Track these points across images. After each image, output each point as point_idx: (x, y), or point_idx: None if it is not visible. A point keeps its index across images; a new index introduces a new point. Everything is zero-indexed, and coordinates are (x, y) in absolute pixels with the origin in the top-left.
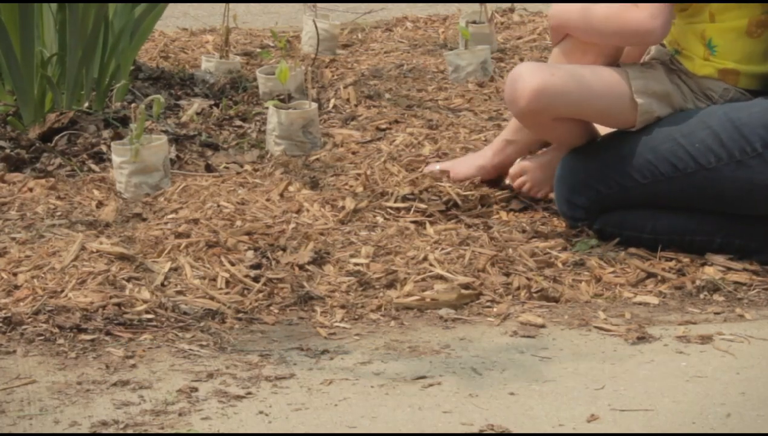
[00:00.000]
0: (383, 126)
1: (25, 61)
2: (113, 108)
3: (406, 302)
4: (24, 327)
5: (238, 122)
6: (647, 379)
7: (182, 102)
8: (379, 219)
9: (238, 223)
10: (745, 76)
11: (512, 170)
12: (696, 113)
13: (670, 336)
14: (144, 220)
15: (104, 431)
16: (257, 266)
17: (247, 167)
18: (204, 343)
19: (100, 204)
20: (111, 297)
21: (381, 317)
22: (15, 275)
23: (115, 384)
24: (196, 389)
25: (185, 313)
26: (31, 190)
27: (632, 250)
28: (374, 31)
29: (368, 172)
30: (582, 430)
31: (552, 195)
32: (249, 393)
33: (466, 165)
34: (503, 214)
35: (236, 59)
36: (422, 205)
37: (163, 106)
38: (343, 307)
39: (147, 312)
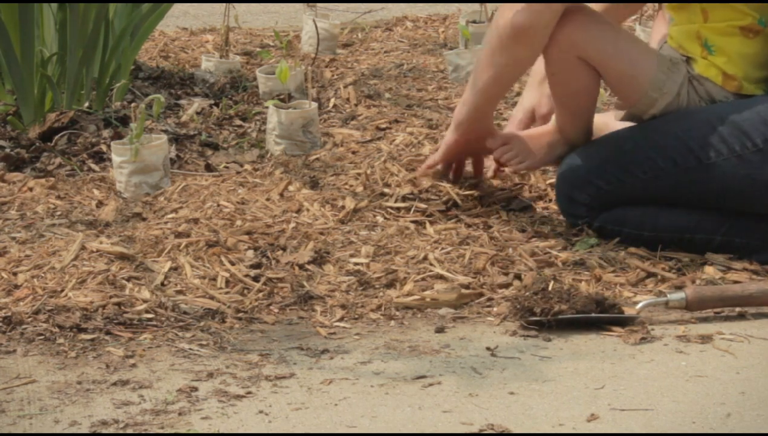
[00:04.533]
0: (383, 126)
1: (25, 60)
2: (113, 108)
3: (406, 301)
4: (24, 327)
5: (238, 122)
6: (647, 379)
7: (182, 102)
8: (379, 219)
9: (238, 222)
10: (747, 82)
11: (497, 138)
12: (697, 109)
13: (670, 336)
14: (144, 219)
15: (104, 431)
16: (257, 266)
17: (247, 167)
18: (204, 342)
19: (100, 204)
20: (111, 297)
21: (381, 316)
22: (15, 274)
23: (115, 384)
24: (196, 389)
25: (185, 312)
26: (31, 189)
27: (632, 249)
28: (374, 31)
29: (368, 172)
30: (582, 430)
31: (528, 166)
32: (249, 393)
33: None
34: (503, 214)
35: (236, 59)
36: (422, 205)
37: (163, 105)
38: (343, 306)
39: (147, 312)
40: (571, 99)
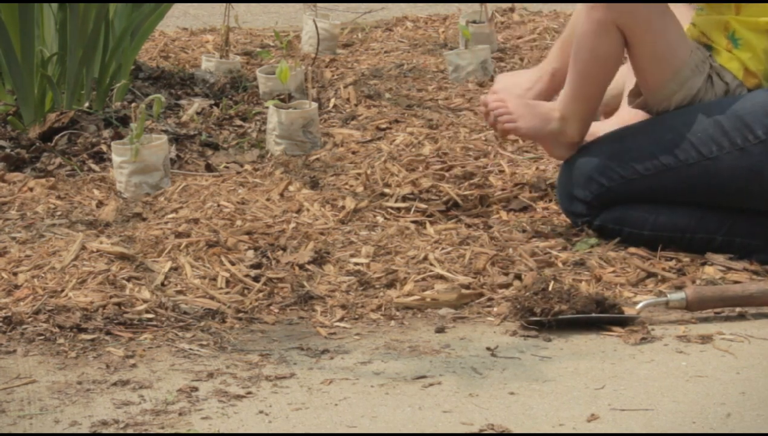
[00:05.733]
0: (383, 126)
1: (25, 60)
2: (113, 108)
3: (406, 301)
4: (24, 327)
5: (238, 122)
6: (647, 379)
7: (182, 102)
8: (379, 219)
9: (238, 222)
10: (766, 80)
11: (495, 92)
12: (698, 105)
13: (670, 336)
14: (144, 219)
15: (104, 431)
16: (257, 266)
17: (247, 167)
18: (204, 342)
19: (100, 204)
20: (111, 297)
21: (381, 316)
22: (15, 274)
23: (115, 384)
24: (196, 389)
25: (185, 312)
26: (31, 189)
27: (632, 249)
28: (374, 31)
29: (368, 172)
30: (582, 430)
31: (516, 127)
32: (249, 393)
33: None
34: (503, 214)
35: (236, 59)
36: (422, 205)
37: (164, 105)
38: (343, 307)
39: (147, 312)
40: (591, 67)
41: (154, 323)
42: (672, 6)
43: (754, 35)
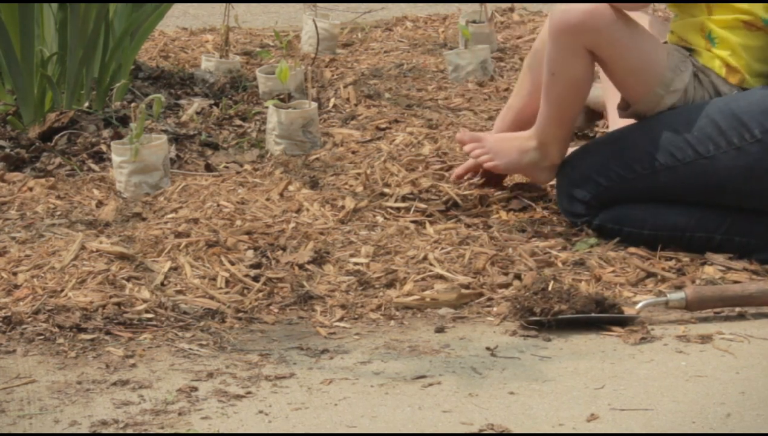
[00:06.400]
0: (383, 125)
1: (25, 60)
2: (113, 107)
3: (406, 301)
4: (24, 327)
5: (238, 122)
6: (647, 378)
7: (182, 101)
8: (379, 219)
9: (238, 222)
10: (750, 75)
11: (468, 135)
12: (697, 103)
13: (670, 336)
14: (144, 219)
15: (104, 431)
16: (257, 266)
17: (247, 167)
18: (204, 342)
19: (99, 204)
20: (111, 297)
21: (381, 316)
22: (15, 274)
23: (114, 384)
24: (195, 389)
25: (185, 312)
26: (31, 189)
27: (632, 249)
28: (374, 31)
29: (368, 172)
30: (582, 430)
31: (495, 166)
32: (249, 393)
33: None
34: (503, 214)
35: (236, 59)
36: (422, 205)
37: (163, 105)
38: (342, 306)
39: (147, 312)
40: (564, 91)
41: (154, 322)
42: (635, 16)
43: (729, 32)
